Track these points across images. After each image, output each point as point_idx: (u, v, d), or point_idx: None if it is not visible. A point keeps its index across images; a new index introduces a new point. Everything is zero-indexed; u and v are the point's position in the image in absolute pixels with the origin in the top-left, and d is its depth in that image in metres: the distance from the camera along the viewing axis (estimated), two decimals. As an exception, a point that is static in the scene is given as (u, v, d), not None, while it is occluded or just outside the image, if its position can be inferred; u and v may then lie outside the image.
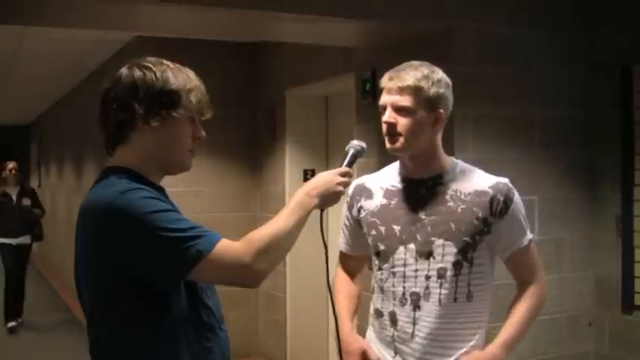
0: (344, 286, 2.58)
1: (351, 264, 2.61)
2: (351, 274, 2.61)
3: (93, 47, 7.12)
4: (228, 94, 6.33)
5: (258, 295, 6.57)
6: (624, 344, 3.97)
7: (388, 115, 2.28)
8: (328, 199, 2.00)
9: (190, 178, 5.87)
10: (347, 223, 2.55)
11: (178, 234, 1.75)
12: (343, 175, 2.06)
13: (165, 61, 1.92)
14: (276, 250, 1.86)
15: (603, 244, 4.09)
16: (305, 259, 5.87)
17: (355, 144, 2.22)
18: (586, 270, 4.16)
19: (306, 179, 6.03)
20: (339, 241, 2.62)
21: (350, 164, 2.18)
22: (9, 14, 3.65)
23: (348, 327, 2.45)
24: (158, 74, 1.86)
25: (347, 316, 2.49)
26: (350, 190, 2.51)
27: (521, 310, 2.37)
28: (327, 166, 6.07)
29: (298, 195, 1.95)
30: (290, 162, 6.07)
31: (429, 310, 2.29)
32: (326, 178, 2.03)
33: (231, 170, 6.61)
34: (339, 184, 2.02)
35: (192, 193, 6.28)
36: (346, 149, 2.22)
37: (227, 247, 1.79)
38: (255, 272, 1.82)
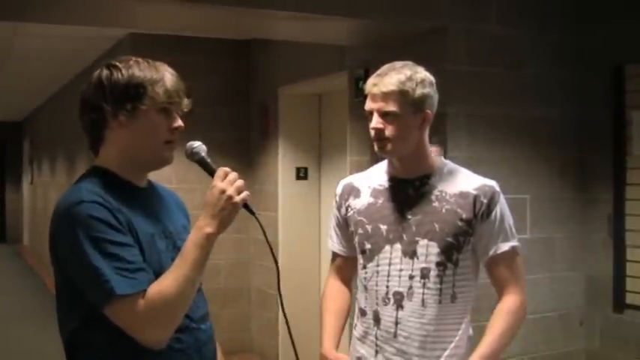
0: (332, 301, 2.51)
1: (345, 267, 2.53)
2: (344, 278, 2.55)
3: (86, 44, 7.09)
4: (220, 91, 6.31)
5: (250, 292, 6.57)
6: (615, 343, 3.99)
7: (375, 122, 2.28)
8: (225, 214, 1.84)
9: (183, 176, 5.85)
10: (338, 223, 2.52)
11: (99, 270, 1.71)
12: (222, 178, 1.86)
13: (135, 58, 1.91)
14: (179, 311, 1.79)
15: (594, 243, 4.10)
16: (297, 257, 5.88)
17: (195, 147, 1.96)
18: (577, 269, 4.17)
19: (298, 177, 6.03)
20: (330, 244, 2.57)
21: (211, 166, 1.96)
22: (1, 10, 3.63)
23: (328, 344, 2.41)
24: (124, 71, 1.86)
25: (330, 334, 2.43)
26: (338, 189, 2.51)
27: (501, 326, 2.29)
28: (319, 164, 6.07)
29: (191, 236, 1.83)
30: (282, 160, 6.06)
31: (412, 310, 2.28)
32: (210, 199, 1.85)
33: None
34: (222, 192, 1.83)
35: (185, 190, 6.25)
36: (195, 160, 1.98)
37: (127, 306, 1.72)
38: (151, 342, 1.77)
